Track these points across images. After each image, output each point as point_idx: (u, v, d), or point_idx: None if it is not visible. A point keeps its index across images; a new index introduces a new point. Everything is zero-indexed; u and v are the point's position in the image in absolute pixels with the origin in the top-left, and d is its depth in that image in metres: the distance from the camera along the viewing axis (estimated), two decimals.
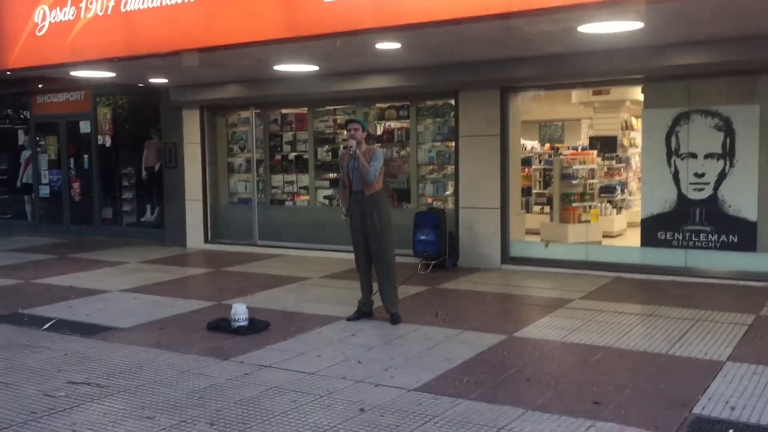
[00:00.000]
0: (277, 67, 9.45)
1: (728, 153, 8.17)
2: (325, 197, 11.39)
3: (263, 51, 7.96)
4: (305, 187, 11.50)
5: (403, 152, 10.68)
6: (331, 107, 11.31)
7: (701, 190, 8.36)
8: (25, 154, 15.09)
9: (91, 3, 8.29)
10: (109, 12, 8.16)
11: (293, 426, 4.25)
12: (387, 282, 6.69)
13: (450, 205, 10.07)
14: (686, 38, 7.64)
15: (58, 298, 8.18)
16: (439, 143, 10.35)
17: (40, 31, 8.82)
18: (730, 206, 8.19)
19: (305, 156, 11.48)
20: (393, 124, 10.81)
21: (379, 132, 10.92)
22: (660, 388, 4.78)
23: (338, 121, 11.21)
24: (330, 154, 11.25)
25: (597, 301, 7.39)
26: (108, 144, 13.85)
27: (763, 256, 8.05)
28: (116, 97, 13.71)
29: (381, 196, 6.71)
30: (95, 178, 13.95)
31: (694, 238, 8.40)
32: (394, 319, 6.67)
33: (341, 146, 11.12)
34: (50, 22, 8.69)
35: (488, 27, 6.64)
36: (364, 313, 6.88)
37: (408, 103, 10.49)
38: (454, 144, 9.90)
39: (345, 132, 6.91)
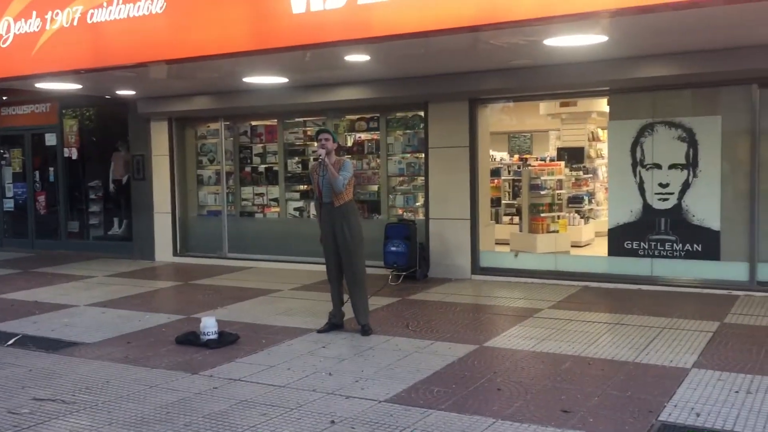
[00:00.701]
0: (246, 79, 9.43)
1: (692, 163, 8.34)
2: (295, 209, 11.36)
3: (232, 63, 7.94)
4: (275, 199, 11.46)
5: (373, 164, 10.71)
6: (301, 119, 11.30)
7: (666, 200, 8.51)
8: None
9: (56, 15, 8.19)
10: (75, 23, 8.07)
11: None
12: (358, 293, 6.71)
13: (420, 216, 10.11)
14: (650, 51, 7.80)
15: (23, 313, 8.03)
16: (409, 155, 10.39)
17: (4, 42, 8.69)
18: (694, 216, 8.34)
19: (275, 168, 11.44)
20: (363, 136, 10.84)
21: (349, 144, 10.93)
22: (627, 395, 4.84)
23: (308, 133, 11.20)
24: (300, 165, 11.23)
25: (565, 311, 7.47)
26: (74, 156, 13.64)
27: (726, 264, 8.21)
28: (83, 109, 13.53)
29: (351, 207, 6.74)
30: (61, 191, 13.74)
31: (659, 248, 8.54)
32: (365, 331, 6.67)
33: (311, 158, 11.13)
34: (15, 33, 8.56)
35: (457, 39, 6.71)
36: (334, 324, 6.86)
37: (378, 115, 10.53)
38: (423, 155, 9.96)
39: (315, 143, 6.92)
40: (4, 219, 14.61)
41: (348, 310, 6.85)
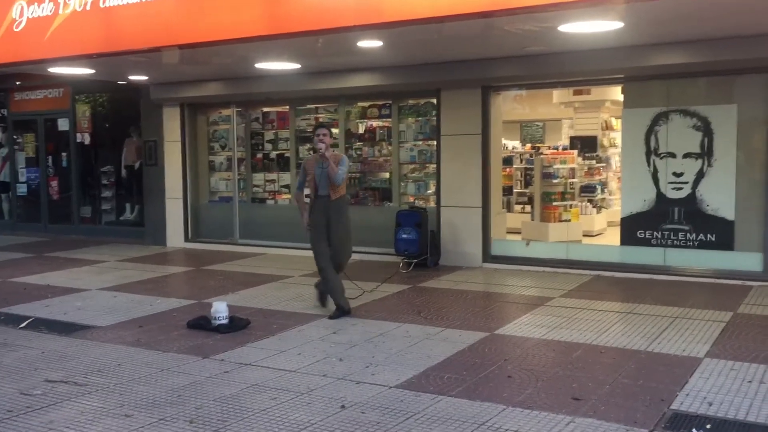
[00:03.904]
0: (258, 65, 9.41)
1: (706, 152, 8.26)
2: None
3: (244, 48, 7.92)
4: (287, 186, 11.46)
5: (384, 151, 10.68)
6: (313, 105, 11.29)
7: (680, 189, 8.44)
8: (2, 152, 14.90)
9: None
10: (88, 7, 8.07)
11: (273, 423, 4.23)
12: (338, 281, 6.93)
13: (432, 204, 10.09)
14: (666, 38, 7.71)
15: (36, 297, 8.09)
16: (420, 142, 10.36)
17: (17, 26, 8.71)
18: (708, 205, 8.27)
19: (287, 154, 11.44)
20: (375, 123, 10.80)
21: (361, 131, 10.91)
22: (639, 384, 4.81)
23: (320, 120, 11.18)
24: (312, 152, 11.18)
25: (577, 299, 7.44)
26: (87, 142, 13.70)
27: (740, 254, 8.14)
28: (96, 94, 13.57)
29: (345, 201, 6.99)
30: (74, 176, 13.80)
31: (672, 237, 8.48)
32: (345, 311, 6.82)
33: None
34: (28, 17, 8.58)
35: (470, 25, 6.65)
36: (345, 311, 6.87)
37: (390, 102, 10.49)
38: (435, 143, 9.92)
39: (313, 137, 6.99)
40: (18, 203, 14.71)
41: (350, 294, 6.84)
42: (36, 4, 8.48)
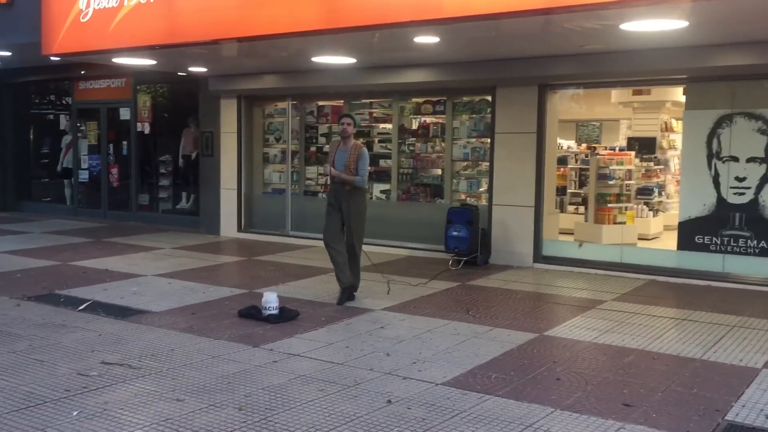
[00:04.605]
0: (314, 59, 9.48)
1: None
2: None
3: (301, 42, 7.99)
4: None
5: (437, 147, 10.65)
6: (368, 100, 11.32)
7: (742, 194, 8.18)
8: (66, 139, 15.37)
9: None
10: (151, 0, 8.26)
11: (319, 414, 4.27)
12: (353, 263, 7.30)
13: (483, 202, 10.02)
14: (731, 38, 7.48)
15: (94, 281, 8.33)
16: (474, 139, 10.29)
17: (84, 17, 8.97)
18: None
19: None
20: (428, 119, 10.77)
21: (414, 126, 10.90)
22: (693, 392, 4.70)
23: (374, 114, 11.22)
24: (365, 147, 11.23)
25: (630, 303, 7.29)
26: (146, 131, 14.04)
27: None
28: (156, 85, 13.90)
29: (361, 191, 7.26)
30: (133, 164, 14.15)
31: (732, 243, 8.23)
32: (350, 295, 7.22)
33: (376, 139, 11.15)
34: (94, 8, 8.83)
35: (528, 23, 6.58)
36: (342, 287, 7.21)
37: (444, 98, 10.44)
38: (489, 140, 9.84)
39: (338, 125, 7.39)
40: (79, 190, 15.16)
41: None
42: None
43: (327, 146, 11.61)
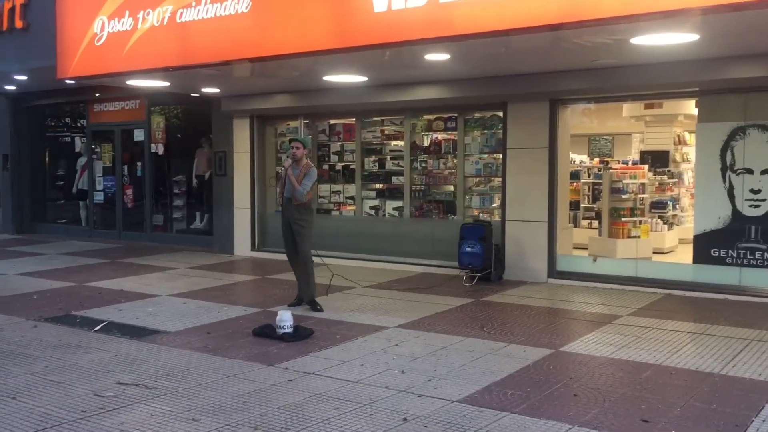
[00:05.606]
0: (326, 78, 9.55)
1: None
2: (371, 207, 11.43)
3: (312, 61, 8.06)
4: (352, 197, 11.56)
5: (450, 164, 10.66)
6: (379, 118, 11.36)
7: (757, 206, 8.13)
8: (81, 160, 15.51)
9: (147, 14, 8.52)
10: (165, 22, 8.37)
11: None
12: (303, 274, 7.84)
13: (496, 218, 10.00)
14: (743, 51, 7.46)
15: (110, 301, 8.38)
16: (486, 155, 10.29)
17: (98, 41, 9.10)
18: None
19: (352, 166, 11.54)
20: (440, 136, 10.80)
21: (426, 143, 10.92)
22: (712, 408, 4.64)
23: (386, 132, 11.26)
24: (377, 164, 11.30)
25: (646, 318, 7.24)
26: (160, 152, 14.15)
27: None
28: (170, 106, 14.03)
29: (306, 207, 7.83)
30: (147, 185, 14.26)
31: (749, 256, 8.16)
32: (313, 307, 7.74)
33: (388, 157, 11.18)
34: (108, 32, 8.96)
35: (538, 38, 6.60)
36: (302, 300, 7.89)
37: (456, 115, 10.47)
38: (501, 156, 9.84)
39: (289, 148, 7.96)
40: (94, 211, 15.28)
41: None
42: (116, 19, 8.84)
43: (339, 165, 11.73)
